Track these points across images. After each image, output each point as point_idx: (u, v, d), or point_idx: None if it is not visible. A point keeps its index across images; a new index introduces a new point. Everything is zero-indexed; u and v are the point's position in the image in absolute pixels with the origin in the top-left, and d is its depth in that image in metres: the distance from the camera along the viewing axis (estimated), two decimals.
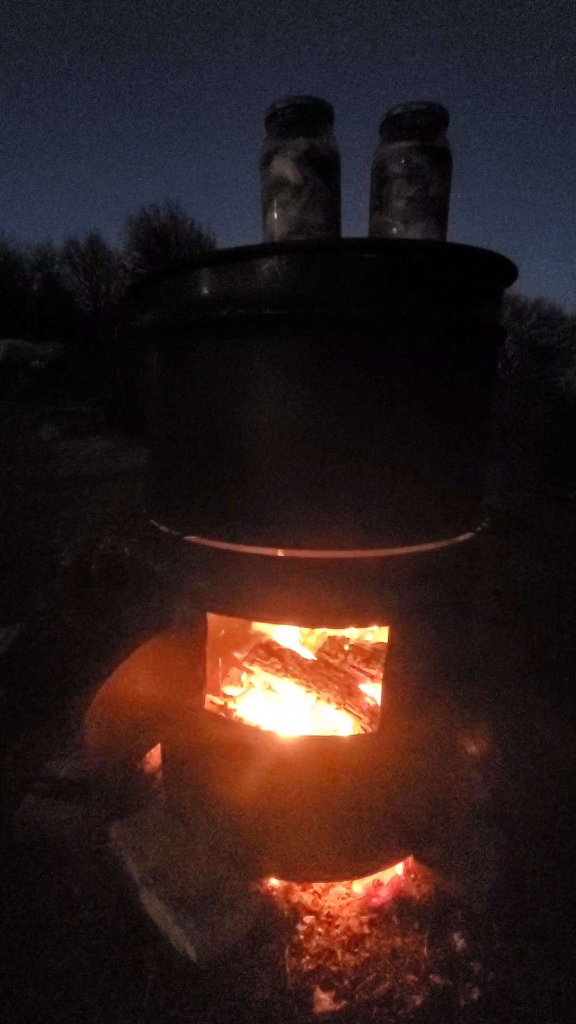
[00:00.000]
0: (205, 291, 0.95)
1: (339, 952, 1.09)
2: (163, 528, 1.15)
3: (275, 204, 1.05)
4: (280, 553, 1.02)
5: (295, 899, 1.18)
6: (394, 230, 1.07)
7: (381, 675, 1.12)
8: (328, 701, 1.26)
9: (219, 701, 1.31)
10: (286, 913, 1.16)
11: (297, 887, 1.20)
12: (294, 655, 1.36)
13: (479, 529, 1.17)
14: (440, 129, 1.04)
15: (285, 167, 1.01)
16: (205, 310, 0.96)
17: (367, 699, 1.25)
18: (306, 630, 1.42)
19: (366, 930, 1.14)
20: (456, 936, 1.13)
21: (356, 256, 0.89)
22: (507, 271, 1.02)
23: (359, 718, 1.21)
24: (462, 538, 1.11)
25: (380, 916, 1.16)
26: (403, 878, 1.24)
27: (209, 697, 1.24)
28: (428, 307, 0.93)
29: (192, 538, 1.08)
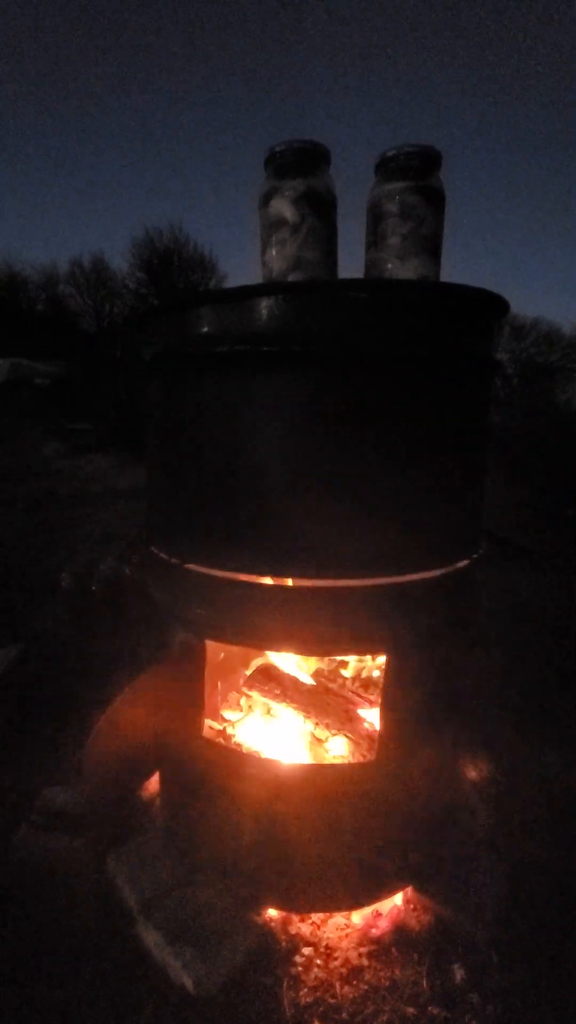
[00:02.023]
0: (205, 328, 0.98)
1: (337, 984, 1.08)
2: (163, 556, 1.16)
3: (273, 241, 1.08)
4: (278, 581, 1.03)
5: (293, 930, 1.17)
6: (389, 266, 1.11)
7: (380, 701, 1.12)
8: (327, 727, 1.26)
9: (218, 726, 1.31)
10: (284, 944, 1.15)
11: (295, 918, 1.19)
12: (293, 680, 1.37)
13: (476, 555, 1.19)
14: (433, 170, 1.08)
15: (283, 207, 1.05)
16: (205, 345, 0.99)
17: (366, 725, 1.25)
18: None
19: (365, 962, 1.12)
20: (456, 968, 1.12)
21: (350, 295, 0.91)
22: (498, 306, 1.05)
23: (357, 744, 1.21)
24: (460, 565, 1.13)
25: (379, 947, 1.15)
26: (402, 908, 1.23)
27: (208, 722, 1.24)
28: (421, 343, 0.96)
29: (191, 566, 1.09)
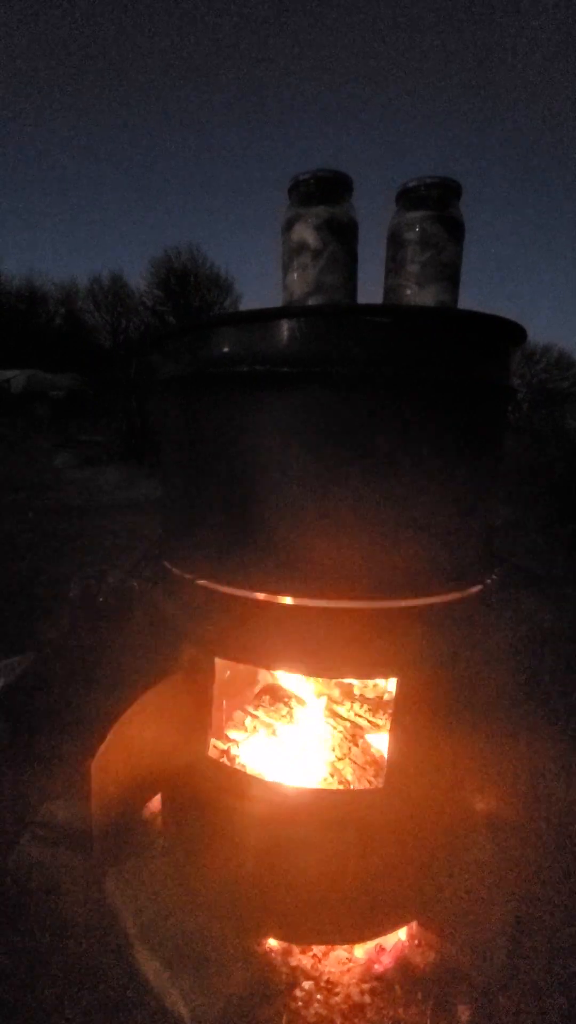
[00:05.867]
0: (226, 348, 1.00)
1: (338, 1021, 1.05)
2: (175, 571, 1.17)
3: (295, 265, 1.10)
4: (290, 601, 1.03)
5: (294, 962, 1.14)
6: (408, 292, 1.12)
7: (388, 725, 1.11)
8: (333, 751, 1.24)
9: (222, 745, 1.29)
10: (284, 977, 1.11)
11: (296, 949, 1.16)
12: (300, 701, 1.35)
13: (489, 581, 1.18)
14: (452, 200, 1.10)
15: (306, 233, 1.07)
16: (225, 365, 1.00)
17: (373, 750, 1.23)
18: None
19: (367, 999, 1.09)
20: (461, 1008, 1.08)
21: (371, 320, 0.93)
22: (515, 334, 1.06)
23: (364, 770, 1.19)
24: (472, 590, 1.12)
25: (382, 984, 1.11)
26: (407, 944, 1.19)
27: (212, 741, 1.23)
28: (438, 368, 0.97)
29: (204, 582, 1.09)
